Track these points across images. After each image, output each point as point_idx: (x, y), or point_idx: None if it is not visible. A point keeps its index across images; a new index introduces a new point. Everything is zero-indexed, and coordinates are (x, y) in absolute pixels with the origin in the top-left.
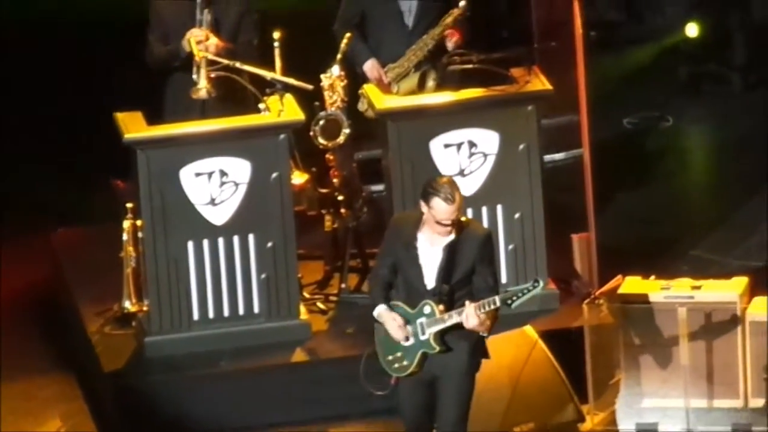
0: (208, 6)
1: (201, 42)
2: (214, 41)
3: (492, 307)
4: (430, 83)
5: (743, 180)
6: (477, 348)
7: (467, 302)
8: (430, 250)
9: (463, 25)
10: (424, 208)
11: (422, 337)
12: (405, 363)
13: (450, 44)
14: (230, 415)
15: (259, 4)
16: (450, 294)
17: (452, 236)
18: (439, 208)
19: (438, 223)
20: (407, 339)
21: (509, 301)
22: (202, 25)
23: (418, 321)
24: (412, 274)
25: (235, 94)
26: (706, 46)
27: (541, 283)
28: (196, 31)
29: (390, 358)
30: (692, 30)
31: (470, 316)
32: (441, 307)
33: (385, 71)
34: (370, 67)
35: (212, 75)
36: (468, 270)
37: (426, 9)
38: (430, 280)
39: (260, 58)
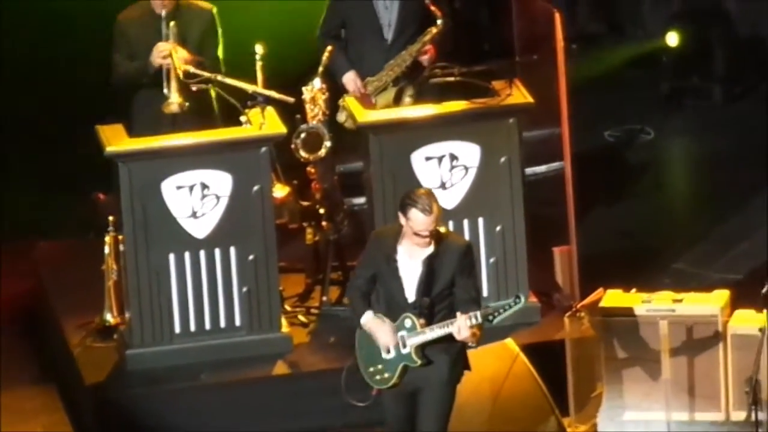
0: (173, 20)
1: (168, 56)
2: (183, 53)
3: (474, 321)
4: (407, 99)
5: (724, 193)
6: (458, 360)
7: (458, 314)
8: (410, 263)
9: (444, 38)
10: (402, 219)
11: (403, 351)
12: (386, 375)
13: (424, 60)
14: (211, 428)
15: (237, 18)
16: (430, 307)
17: (432, 249)
18: (417, 219)
19: (416, 234)
20: (396, 346)
21: (490, 317)
22: (168, 39)
23: (399, 334)
24: (393, 288)
25: (205, 109)
26: (687, 58)
27: (523, 299)
28: (162, 45)
29: (371, 370)
30: (672, 39)
31: (462, 328)
32: (422, 320)
33: (363, 84)
34: (348, 79)
35: (194, 88)
36: (448, 282)
37: (405, 23)
38: (410, 293)
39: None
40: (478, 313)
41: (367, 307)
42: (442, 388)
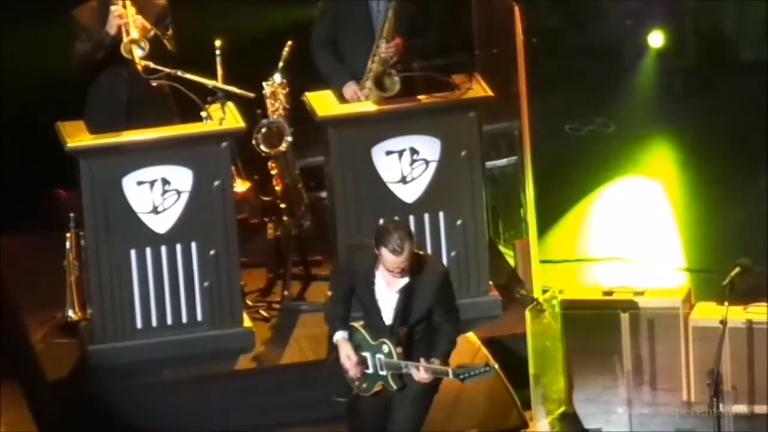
0: None
1: (123, 15)
2: (140, 18)
3: (444, 376)
4: (387, 83)
5: (684, 185)
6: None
7: (421, 359)
8: (387, 291)
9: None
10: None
11: (381, 373)
12: (365, 386)
13: (391, 51)
14: (175, 424)
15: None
16: (408, 335)
17: (408, 279)
18: (388, 259)
19: (387, 270)
20: (360, 376)
21: (461, 377)
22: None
23: (377, 356)
24: (370, 308)
25: (160, 103)
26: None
27: (492, 369)
28: (115, 6)
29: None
30: (657, 39)
31: (423, 379)
32: (399, 349)
33: (360, 88)
34: (350, 89)
35: (154, 83)
36: (424, 311)
37: (398, 26)
38: (387, 318)
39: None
40: (450, 371)
41: (340, 325)
42: (420, 390)
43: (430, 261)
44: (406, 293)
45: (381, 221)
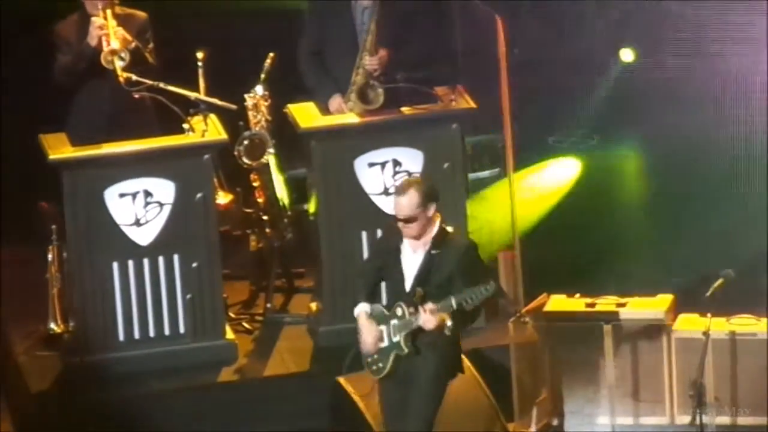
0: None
1: (103, 27)
2: (120, 30)
3: (450, 309)
4: (371, 95)
5: (667, 197)
6: (445, 357)
7: (420, 308)
8: (413, 256)
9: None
10: None
11: (394, 339)
12: (380, 365)
13: (374, 63)
14: None
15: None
16: (423, 299)
17: (433, 246)
18: (394, 204)
19: (398, 221)
20: (375, 353)
21: (464, 303)
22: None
23: (391, 323)
24: (395, 279)
25: (141, 115)
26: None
27: (494, 286)
28: (95, 18)
29: (369, 360)
30: (628, 56)
31: (427, 321)
32: (411, 309)
33: (345, 101)
34: (335, 102)
35: (136, 96)
36: (445, 278)
37: (381, 33)
38: (408, 284)
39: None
40: (452, 300)
41: (365, 298)
42: (429, 383)
43: (456, 234)
44: (430, 257)
45: None
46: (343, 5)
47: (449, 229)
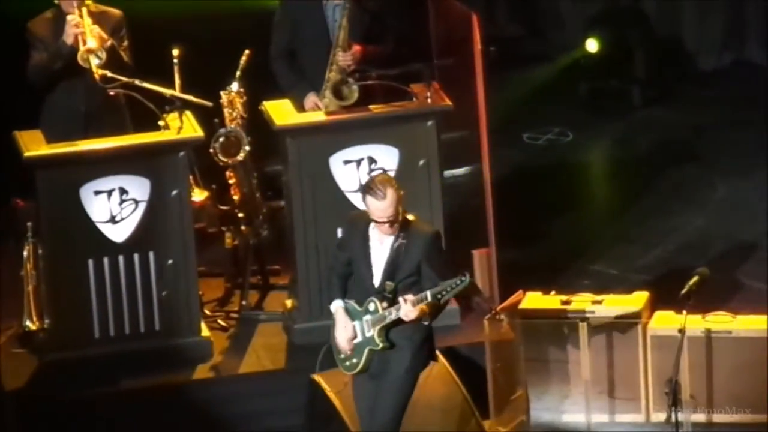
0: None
1: (79, 25)
2: (96, 28)
3: (425, 301)
4: (346, 92)
5: (643, 195)
6: (421, 348)
7: (400, 299)
8: (380, 248)
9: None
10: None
11: (367, 334)
12: (354, 361)
13: (348, 59)
14: None
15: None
16: (394, 292)
17: (400, 235)
18: (372, 206)
19: (374, 221)
20: (350, 351)
21: (439, 296)
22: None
23: (364, 318)
24: (363, 271)
25: (116, 112)
26: (607, 61)
27: (468, 278)
28: (71, 16)
29: (342, 356)
30: (592, 45)
31: (409, 312)
32: (384, 304)
33: (320, 98)
34: (310, 101)
35: (111, 92)
36: (413, 268)
37: (353, 30)
38: (377, 278)
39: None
40: (428, 293)
41: (338, 294)
42: (402, 376)
43: (422, 223)
44: (397, 249)
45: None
46: (314, 4)
47: (410, 217)
